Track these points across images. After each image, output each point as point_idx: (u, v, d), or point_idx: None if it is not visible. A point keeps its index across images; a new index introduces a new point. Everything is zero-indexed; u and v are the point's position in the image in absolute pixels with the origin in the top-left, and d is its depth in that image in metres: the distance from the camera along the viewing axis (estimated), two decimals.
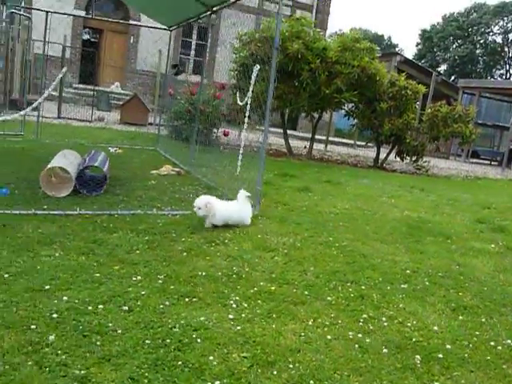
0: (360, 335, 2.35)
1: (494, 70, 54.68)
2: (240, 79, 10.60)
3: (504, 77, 53.21)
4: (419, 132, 10.95)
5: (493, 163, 16.26)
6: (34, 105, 5.90)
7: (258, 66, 5.11)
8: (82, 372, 1.87)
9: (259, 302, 2.63)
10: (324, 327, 2.40)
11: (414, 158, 11.04)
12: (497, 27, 52.33)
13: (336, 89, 9.81)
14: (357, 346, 2.25)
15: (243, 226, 4.08)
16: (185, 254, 3.30)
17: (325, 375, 1.98)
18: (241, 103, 5.55)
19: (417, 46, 56.70)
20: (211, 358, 2.02)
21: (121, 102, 17.85)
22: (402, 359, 2.17)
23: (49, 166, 4.62)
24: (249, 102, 5.18)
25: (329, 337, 2.30)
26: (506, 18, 51.07)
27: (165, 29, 8.76)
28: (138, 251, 3.28)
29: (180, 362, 1.97)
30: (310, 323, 2.43)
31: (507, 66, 54.03)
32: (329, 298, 2.76)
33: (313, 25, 10.90)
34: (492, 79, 40.10)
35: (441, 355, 2.22)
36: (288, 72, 9.95)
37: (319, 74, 9.75)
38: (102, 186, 4.84)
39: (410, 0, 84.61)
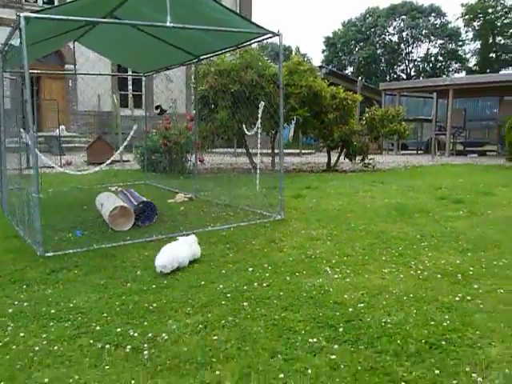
0: (418, 272, 3.70)
1: (395, 67, 59.42)
2: (202, 109, 11.82)
3: (404, 72, 58.17)
4: (361, 135, 12.69)
5: (419, 152, 18.57)
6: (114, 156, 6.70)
7: (263, 103, 6.34)
8: (279, 316, 3.02)
9: (343, 267, 3.90)
10: (393, 273, 3.72)
11: (360, 158, 12.74)
12: (391, 28, 57.12)
13: (290, 107, 11.30)
14: (420, 277, 3.59)
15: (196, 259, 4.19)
16: (265, 250, 4.50)
17: (415, 294, 3.28)
18: (249, 133, 6.77)
19: (323, 52, 60.37)
20: (345, 296, 3.26)
21: (71, 145, 18.39)
22: (450, 280, 3.53)
23: (111, 207, 5.58)
24: (259, 132, 6.38)
25: (401, 276, 3.63)
26: (397, 19, 56.05)
27: (138, 73, 9.83)
28: (230, 255, 4.41)
29: (331, 301, 3.19)
30: (384, 272, 3.73)
31: (406, 62, 59.10)
32: (383, 258, 4.09)
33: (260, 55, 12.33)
34: (409, 80, 43.66)
35: (471, 273, 3.62)
36: (246, 98, 11.30)
37: (274, 97, 11.17)
38: (152, 217, 5.86)
39: (307, 11, 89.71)
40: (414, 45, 58.27)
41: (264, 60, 11.89)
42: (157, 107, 11.61)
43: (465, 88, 16.04)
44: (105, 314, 3.14)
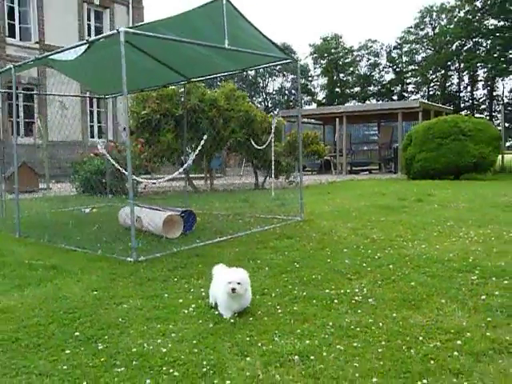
0: (475, 238, 4.93)
1: (254, 99, 63.59)
2: (147, 132, 12.05)
3: (262, 103, 62.56)
4: (284, 155, 14.05)
5: (313, 172, 20.67)
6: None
7: (275, 119, 7.16)
8: (425, 270, 3.93)
9: (415, 242, 4.95)
10: (458, 241, 4.90)
11: (285, 177, 14.06)
12: None
13: (231, 130, 12.18)
14: (480, 241, 4.82)
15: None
16: (334, 238, 5.36)
17: (491, 249, 4.47)
18: (259, 147, 7.48)
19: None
20: (450, 255, 4.31)
21: None
22: (498, 240, 4.81)
23: (163, 217, 5.86)
24: (273, 154, 7.17)
25: (466, 242, 4.82)
26: None
27: (99, 97, 9.84)
28: (310, 244, 5.16)
29: (445, 259, 4.20)
30: (451, 241, 4.89)
31: (263, 95, 63.79)
32: (434, 235, 5.27)
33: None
34: (303, 108, 46.57)
35: (506, 235, 4.96)
36: (189, 122, 11.87)
37: (217, 121, 11.97)
38: (192, 224, 6.25)
39: None
40: (270, 79, 63.25)
41: (201, 86, 12.58)
42: (125, 128, 11.50)
43: (355, 115, 18.60)
44: (282, 284, 3.72)
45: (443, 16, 52.01)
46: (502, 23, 45.11)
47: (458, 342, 2.63)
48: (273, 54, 6.38)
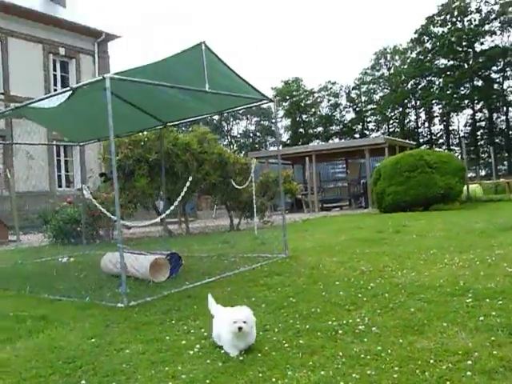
0: (460, 263, 5.06)
1: (219, 142, 64.26)
2: (120, 178, 11.95)
3: (228, 147, 63.26)
4: (257, 196, 14.16)
5: (285, 211, 20.84)
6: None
7: (255, 160, 7.27)
8: (421, 296, 4.01)
9: (404, 271, 5.05)
10: (444, 267, 5.02)
11: (259, 217, 14.13)
12: None
13: (205, 173, 12.25)
14: (466, 266, 4.96)
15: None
16: (324, 272, 5.40)
17: (478, 273, 4.61)
18: (239, 187, 7.54)
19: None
20: (441, 281, 4.41)
21: None
22: (482, 263, 4.96)
23: (151, 260, 5.78)
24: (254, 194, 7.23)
25: (453, 268, 4.94)
26: None
27: (73, 144, 9.78)
28: (301, 278, 5.18)
29: (437, 285, 4.30)
30: (438, 267, 5.01)
31: (229, 138, 64.64)
32: (421, 263, 5.38)
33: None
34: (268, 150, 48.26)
35: (490, 259, 5.13)
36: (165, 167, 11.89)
37: (191, 164, 12.03)
38: (177, 268, 6.18)
39: None
40: (234, 122, 64.34)
41: (174, 131, 12.69)
42: (101, 175, 11.36)
43: (323, 153, 19.06)
44: (283, 319, 3.72)
45: (397, 57, 54.77)
46: (451, 62, 47.85)
47: (469, 362, 2.68)
48: (250, 96, 6.57)
